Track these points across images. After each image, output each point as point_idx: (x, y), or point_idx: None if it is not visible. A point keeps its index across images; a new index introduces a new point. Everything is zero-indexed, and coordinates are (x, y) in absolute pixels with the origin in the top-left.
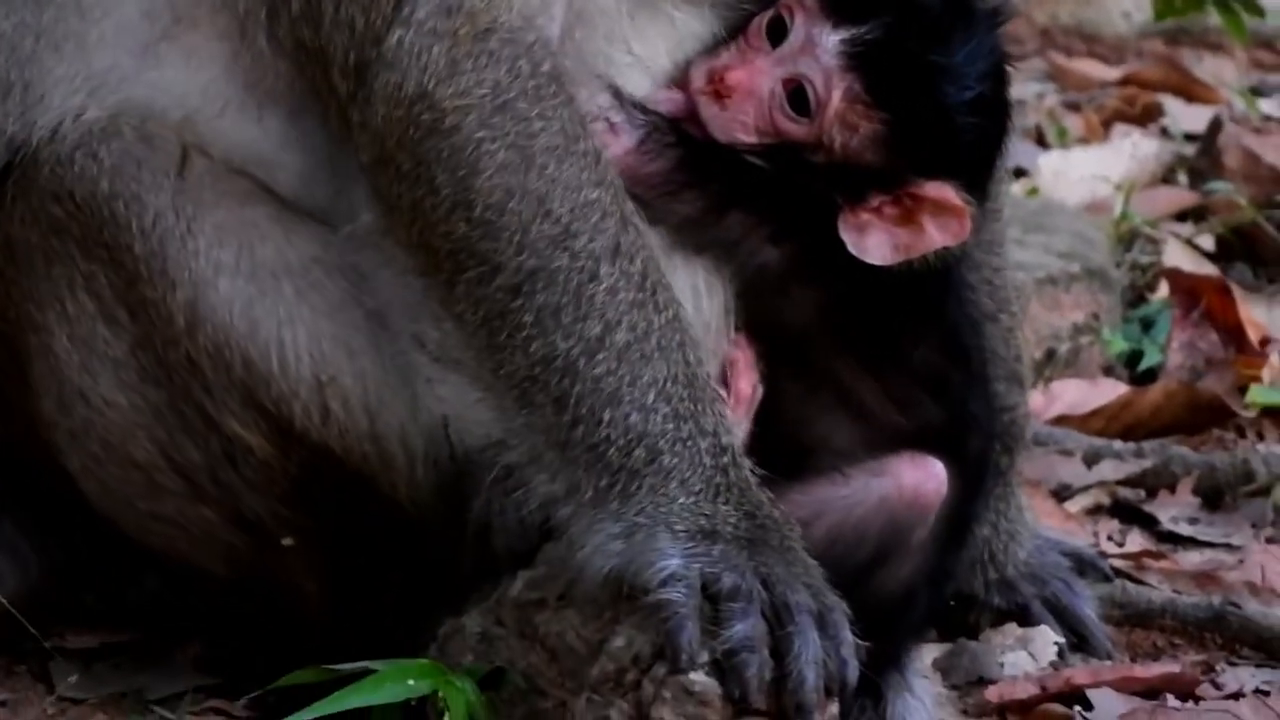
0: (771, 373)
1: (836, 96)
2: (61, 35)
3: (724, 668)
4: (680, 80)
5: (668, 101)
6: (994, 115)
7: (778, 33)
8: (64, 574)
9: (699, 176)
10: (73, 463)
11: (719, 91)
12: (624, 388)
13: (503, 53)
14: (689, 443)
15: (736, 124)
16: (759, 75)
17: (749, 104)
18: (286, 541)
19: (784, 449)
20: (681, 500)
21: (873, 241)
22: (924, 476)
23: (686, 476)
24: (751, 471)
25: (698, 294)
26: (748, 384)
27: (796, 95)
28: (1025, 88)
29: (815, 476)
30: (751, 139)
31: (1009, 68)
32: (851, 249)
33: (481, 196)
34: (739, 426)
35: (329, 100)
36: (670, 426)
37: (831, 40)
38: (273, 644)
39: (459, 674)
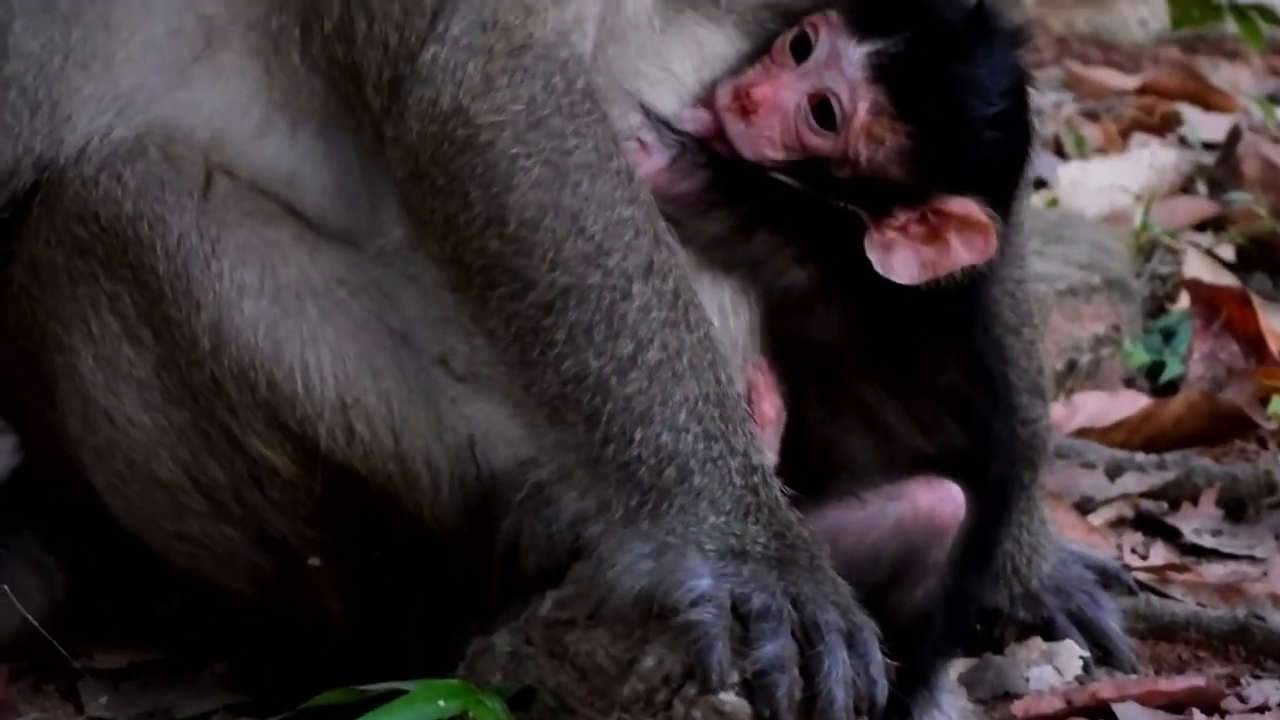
0: (795, 394)
1: (862, 109)
2: (90, 54)
3: (754, 688)
4: (707, 99)
5: (695, 120)
6: (1016, 131)
7: (802, 49)
8: (91, 592)
9: (728, 196)
10: (98, 481)
11: (745, 108)
12: (655, 406)
13: (538, 68)
14: (719, 462)
15: (763, 140)
16: (784, 90)
17: (775, 119)
18: (313, 562)
19: (805, 471)
20: (712, 520)
21: (899, 259)
22: (940, 499)
23: (717, 496)
24: (781, 491)
25: (724, 313)
26: (771, 407)
27: (822, 109)
28: (1043, 97)
29: (832, 499)
30: (778, 155)
31: (1031, 87)
32: (878, 267)
33: (515, 212)
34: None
35: (362, 116)
36: (701, 446)
37: (857, 53)
38: (299, 663)
39: (489, 693)
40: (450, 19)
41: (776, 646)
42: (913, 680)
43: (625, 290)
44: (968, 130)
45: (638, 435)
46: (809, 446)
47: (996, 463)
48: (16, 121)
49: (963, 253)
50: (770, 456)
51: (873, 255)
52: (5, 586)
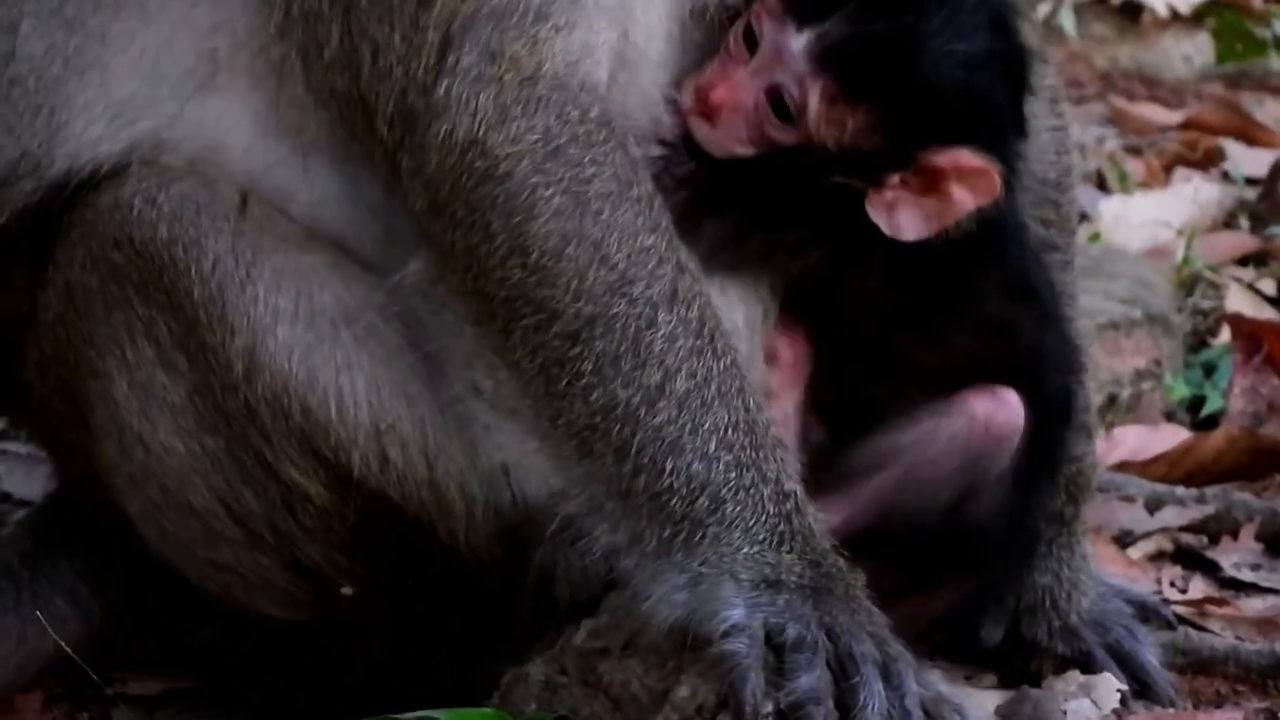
0: (832, 357)
1: (813, 99)
2: (87, 62)
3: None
4: (675, 103)
5: (670, 127)
6: (993, 66)
7: (752, 41)
8: (125, 620)
9: (722, 196)
10: (132, 508)
11: (706, 111)
12: (685, 436)
13: (551, 98)
14: (751, 490)
15: (731, 139)
16: (740, 90)
17: (737, 118)
18: (345, 591)
19: (853, 413)
20: (746, 550)
21: (904, 218)
22: (996, 406)
23: (750, 525)
24: (815, 518)
25: (735, 303)
26: (792, 352)
27: (778, 103)
28: (1086, 132)
29: (888, 425)
30: (748, 151)
31: (1010, 14)
32: (885, 230)
33: (537, 242)
34: (789, 393)
35: (373, 148)
36: (733, 475)
37: (797, 44)
38: (332, 690)
39: None
40: (460, 51)
41: (811, 678)
42: (985, 598)
43: (651, 319)
44: (928, 89)
45: (668, 465)
46: (853, 404)
47: (1051, 373)
48: (18, 122)
49: (965, 198)
50: (797, 400)
51: (877, 220)
52: (39, 614)
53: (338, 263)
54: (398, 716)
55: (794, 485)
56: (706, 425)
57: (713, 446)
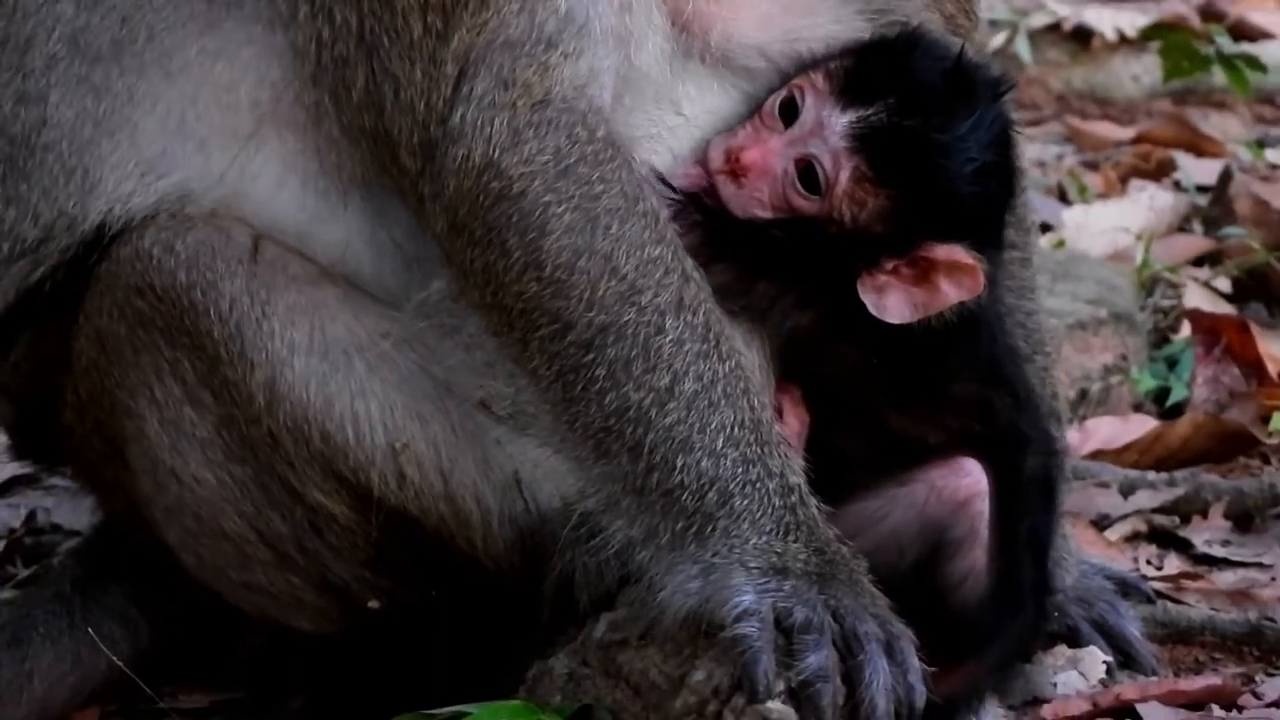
0: (815, 414)
1: (844, 176)
2: (117, 123)
3: (799, 697)
4: (699, 156)
5: (688, 178)
6: (999, 178)
7: (790, 112)
8: (172, 638)
9: (725, 249)
10: (170, 537)
11: (735, 171)
12: (694, 435)
13: (560, 120)
14: (758, 484)
15: (753, 201)
16: (772, 156)
17: (764, 182)
18: (372, 604)
19: (829, 479)
20: (754, 540)
21: (891, 302)
22: (952, 474)
23: (757, 517)
24: (819, 508)
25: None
26: (796, 420)
27: (807, 174)
28: (1046, 149)
29: (853, 496)
30: (768, 214)
31: (1014, 132)
32: (872, 309)
33: (551, 257)
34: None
35: (400, 179)
36: (740, 470)
37: (840, 122)
38: (372, 694)
39: (549, 713)
40: (474, 81)
41: (819, 657)
42: (976, 683)
43: (659, 325)
44: (948, 189)
45: (679, 462)
46: (831, 458)
47: (1029, 453)
48: (53, 185)
49: (951, 292)
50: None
51: (866, 299)
52: (92, 632)
53: (349, 296)
54: (431, 712)
55: (798, 479)
56: (714, 424)
57: (720, 444)
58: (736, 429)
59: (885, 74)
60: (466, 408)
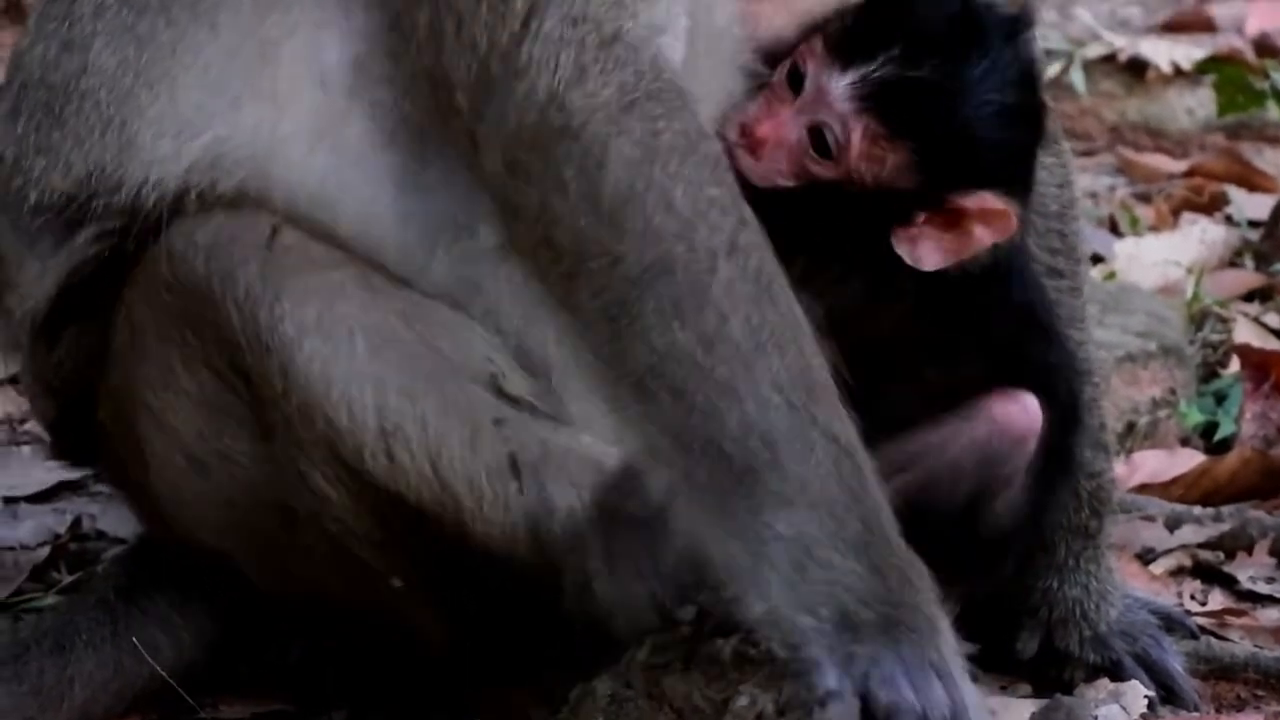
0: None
1: (856, 137)
2: (157, 76)
3: None
4: (720, 130)
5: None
6: (1023, 119)
7: (797, 80)
8: (215, 646)
9: (766, 219)
10: (199, 532)
11: (750, 145)
12: (739, 381)
13: (628, 58)
14: (806, 436)
15: (773, 172)
16: (783, 126)
17: (780, 153)
18: (395, 583)
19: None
20: (805, 515)
21: (925, 250)
22: (1015, 409)
23: (806, 479)
24: (874, 474)
25: None
26: None
27: (819, 141)
28: (1098, 180)
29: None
30: (789, 183)
31: (1036, 71)
32: (907, 259)
33: (609, 188)
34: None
35: (451, 121)
36: (785, 420)
37: (841, 84)
38: (415, 705)
39: None
40: (543, 17)
41: None
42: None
43: (711, 266)
44: (967, 137)
45: (723, 406)
46: (879, 420)
47: (1060, 382)
48: (89, 135)
49: (985, 235)
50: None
51: (901, 250)
52: (135, 640)
53: (365, 276)
54: None
55: (849, 435)
56: (760, 369)
57: (765, 391)
58: (785, 376)
59: (886, 26)
60: (467, 389)
